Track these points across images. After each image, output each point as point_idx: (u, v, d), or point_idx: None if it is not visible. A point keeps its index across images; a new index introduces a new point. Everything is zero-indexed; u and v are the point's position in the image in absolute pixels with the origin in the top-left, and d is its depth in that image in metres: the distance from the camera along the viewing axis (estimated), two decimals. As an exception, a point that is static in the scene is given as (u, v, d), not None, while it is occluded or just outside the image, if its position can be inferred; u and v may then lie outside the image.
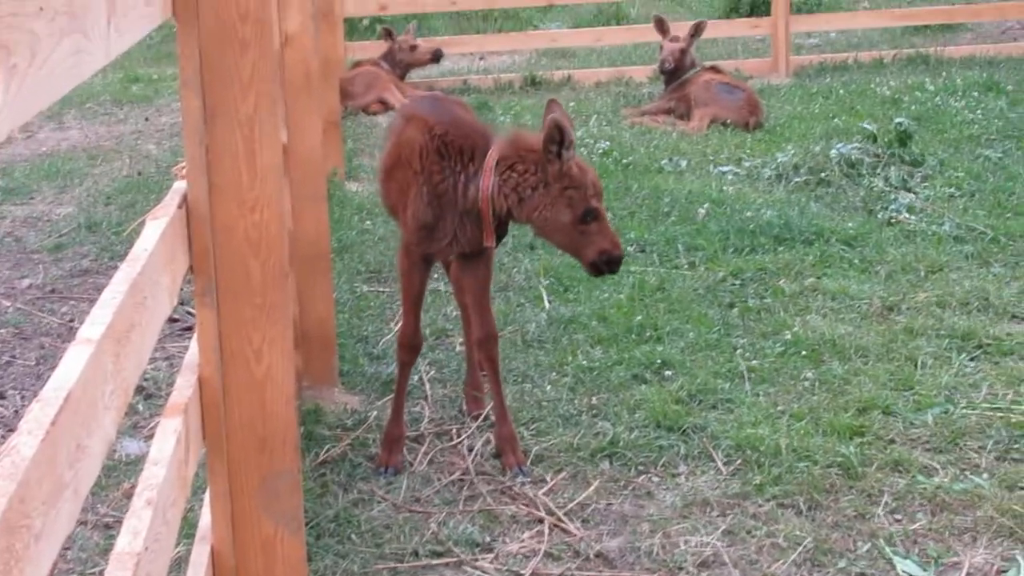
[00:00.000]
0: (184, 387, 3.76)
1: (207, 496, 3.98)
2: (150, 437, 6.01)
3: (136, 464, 5.92)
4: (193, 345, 3.96)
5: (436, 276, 7.65)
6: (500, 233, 5.82)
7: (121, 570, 2.90)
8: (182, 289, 3.70)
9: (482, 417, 6.42)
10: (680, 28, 13.90)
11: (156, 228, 3.38)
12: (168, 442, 3.41)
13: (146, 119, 15.03)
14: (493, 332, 6.00)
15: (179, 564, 4.73)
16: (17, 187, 11.66)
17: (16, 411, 6.71)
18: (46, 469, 2.09)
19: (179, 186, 3.78)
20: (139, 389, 6.74)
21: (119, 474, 5.97)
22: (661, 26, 13.83)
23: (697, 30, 13.71)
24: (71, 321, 7.99)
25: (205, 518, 4.09)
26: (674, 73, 13.58)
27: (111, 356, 2.66)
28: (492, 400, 6.09)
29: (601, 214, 5.59)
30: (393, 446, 6.02)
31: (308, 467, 5.92)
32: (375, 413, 6.52)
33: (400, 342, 6.11)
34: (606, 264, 5.61)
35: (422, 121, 5.86)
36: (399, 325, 6.29)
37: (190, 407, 3.63)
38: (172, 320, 7.67)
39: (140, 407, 6.71)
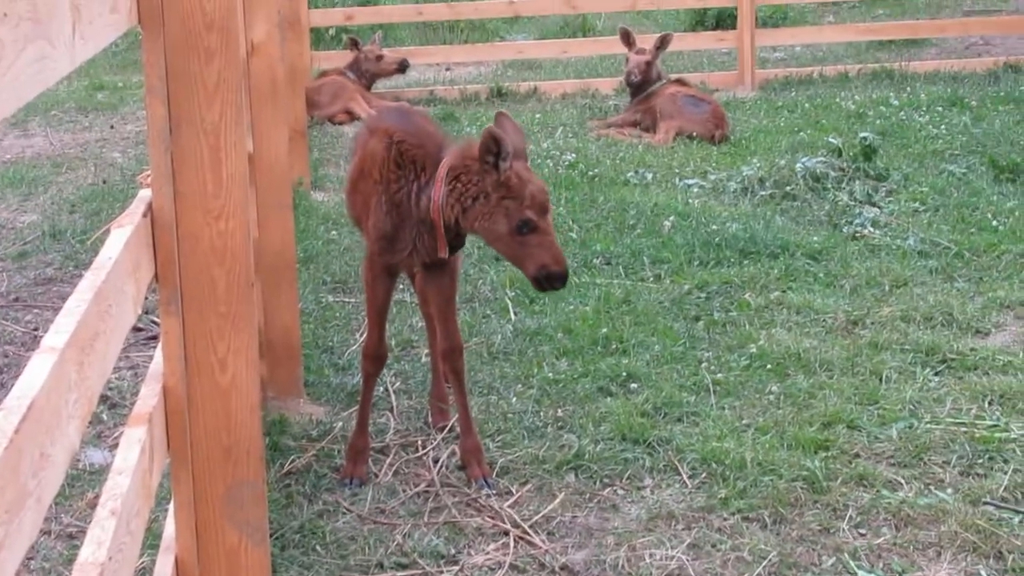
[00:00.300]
0: (148, 396, 3.74)
1: (171, 506, 3.96)
2: (114, 447, 5.99)
3: (100, 474, 5.89)
4: (158, 354, 3.95)
5: (402, 287, 7.63)
6: (456, 243, 5.80)
7: (84, 581, 2.88)
8: (147, 298, 3.69)
9: (447, 429, 6.40)
10: (646, 41, 13.92)
11: (121, 236, 3.37)
12: (132, 452, 3.39)
13: (111, 127, 14.97)
14: (458, 344, 5.98)
15: (143, 574, 4.70)
16: (-20, 195, 11.60)
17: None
18: (9, 478, 2.08)
19: (144, 194, 3.77)
20: (103, 398, 6.70)
21: (83, 484, 5.94)
22: (627, 38, 13.83)
23: (663, 43, 13.72)
24: (35, 330, 7.94)
25: (169, 528, 4.07)
26: (640, 85, 13.58)
27: (75, 365, 2.64)
28: (457, 412, 6.07)
29: (540, 227, 5.48)
30: (358, 457, 6.00)
31: (273, 477, 5.89)
32: (340, 424, 6.51)
33: (365, 353, 6.09)
34: (546, 280, 5.50)
35: (384, 132, 5.87)
36: (364, 336, 6.26)
37: (154, 416, 3.61)
38: (137, 329, 7.64)
39: (104, 416, 6.68)
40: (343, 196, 6.48)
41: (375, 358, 6.05)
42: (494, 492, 5.80)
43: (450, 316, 5.98)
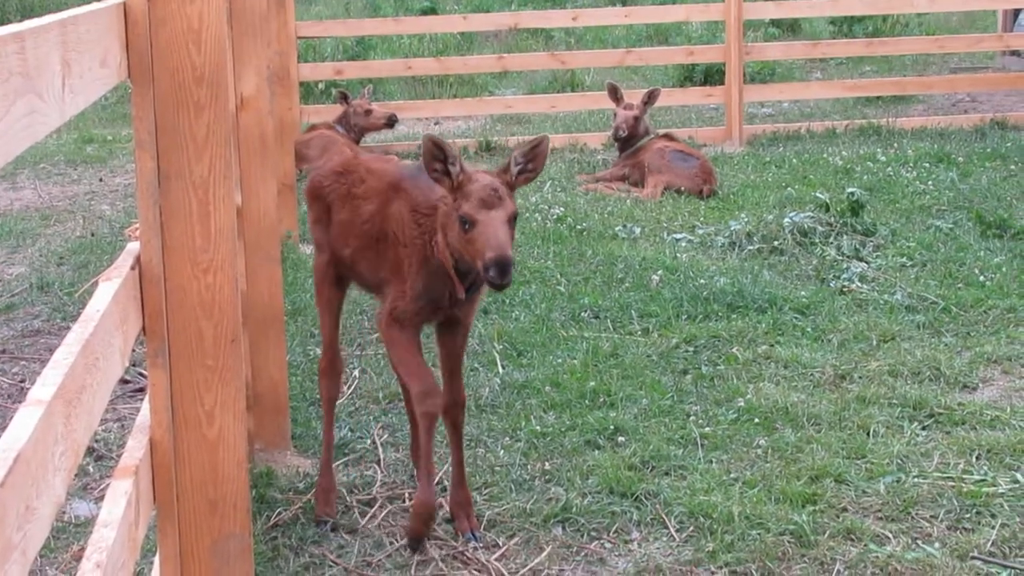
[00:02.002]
0: (135, 449, 3.74)
1: (157, 559, 3.94)
2: (100, 499, 5.97)
3: (86, 526, 5.87)
4: (145, 407, 3.95)
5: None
6: (476, 283, 5.63)
7: (68, 634, 2.87)
8: (134, 350, 3.69)
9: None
10: (634, 96, 13.96)
11: (109, 289, 3.37)
12: (118, 504, 3.38)
13: (100, 180, 14.98)
14: (462, 399, 5.91)
15: (127, 628, 4.68)
16: (-31, 247, 11.61)
17: (-36, 472, 6.62)
18: (-6, 531, 2.07)
19: (132, 247, 3.77)
20: (90, 450, 6.69)
21: (68, 536, 5.91)
22: (614, 93, 13.86)
23: (650, 98, 13.76)
24: (22, 381, 7.92)
25: (154, 581, 4.05)
26: (628, 140, 13.62)
27: (62, 417, 2.64)
28: (452, 464, 6.03)
29: (479, 220, 5.21)
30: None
31: (259, 530, 5.87)
32: (327, 477, 6.49)
33: (421, 395, 5.70)
34: (489, 271, 5.11)
35: (402, 193, 5.76)
36: (411, 385, 5.82)
37: (141, 469, 3.60)
38: (124, 381, 7.62)
39: (91, 469, 6.66)
40: (343, 254, 6.10)
41: (428, 395, 5.68)
42: (481, 545, 5.78)
43: (457, 371, 5.93)
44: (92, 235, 11.92)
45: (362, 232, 5.93)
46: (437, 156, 5.31)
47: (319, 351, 8.33)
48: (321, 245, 6.24)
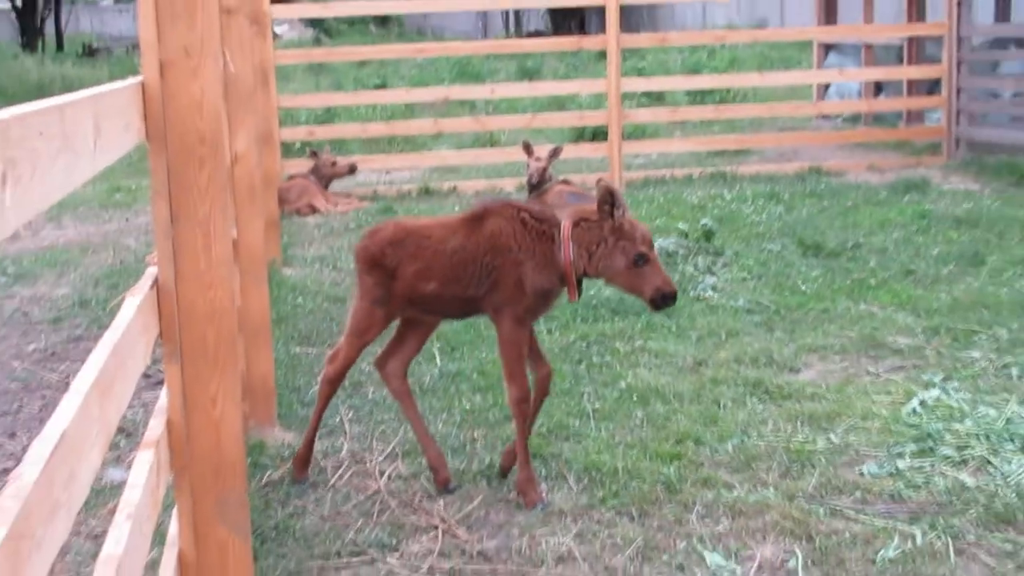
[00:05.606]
0: (156, 427, 3.73)
1: (175, 511, 3.92)
2: (129, 466, 5.91)
3: (118, 488, 5.80)
4: (163, 394, 3.92)
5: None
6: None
7: (106, 570, 2.86)
8: (154, 351, 3.66)
9: (387, 451, 6.37)
10: (541, 150, 13.98)
11: (133, 303, 3.35)
12: (143, 470, 3.37)
13: (126, 220, 14.82)
14: (550, 369, 5.81)
15: (153, 565, 4.63)
16: (25, 273, 11.45)
17: (24, 447, 6.57)
18: (45, 492, 2.06)
19: (152, 271, 3.75)
20: (120, 429, 6.62)
21: (105, 495, 5.85)
22: (528, 149, 13.85)
23: (555, 153, 13.71)
24: (67, 377, 7.84)
25: (173, 528, 4.03)
26: (536, 185, 13.61)
27: (97, 404, 2.62)
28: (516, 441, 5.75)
29: (651, 258, 5.46)
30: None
31: (254, 488, 5.84)
32: (306, 446, 6.45)
33: (519, 399, 5.64)
34: (662, 299, 5.47)
35: (505, 213, 5.63)
36: (511, 389, 5.64)
37: (161, 443, 3.59)
38: (146, 376, 7.55)
39: (121, 443, 6.60)
40: (424, 291, 5.70)
41: (523, 400, 5.65)
42: (428, 495, 5.77)
43: (538, 349, 5.81)
44: (120, 263, 11.80)
45: (452, 263, 5.62)
46: (607, 200, 5.41)
47: (298, 350, 8.31)
48: (379, 300, 5.75)
